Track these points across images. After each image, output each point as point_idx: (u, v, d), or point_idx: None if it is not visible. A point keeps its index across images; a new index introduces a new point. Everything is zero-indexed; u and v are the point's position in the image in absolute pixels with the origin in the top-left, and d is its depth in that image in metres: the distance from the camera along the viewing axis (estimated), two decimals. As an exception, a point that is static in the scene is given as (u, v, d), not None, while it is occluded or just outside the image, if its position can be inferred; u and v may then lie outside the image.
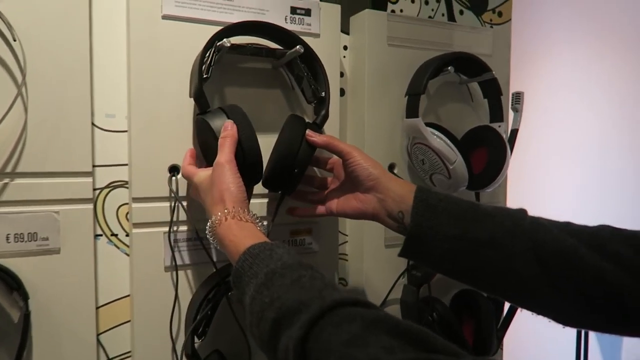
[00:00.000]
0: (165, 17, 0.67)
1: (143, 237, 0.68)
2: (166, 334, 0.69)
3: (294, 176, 0.66)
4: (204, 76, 0.64)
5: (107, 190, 0.70)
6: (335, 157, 0.71)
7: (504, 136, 0.87)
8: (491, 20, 1.03)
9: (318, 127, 0.71)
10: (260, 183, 0.67)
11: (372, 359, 0.34)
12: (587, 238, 0.53)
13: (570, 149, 1.92)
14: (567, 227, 0.55)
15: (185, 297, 0.70)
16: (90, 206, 0.67)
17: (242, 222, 0.56)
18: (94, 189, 0.68)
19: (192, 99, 0.66)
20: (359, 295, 0.82)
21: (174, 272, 0.69)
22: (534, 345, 1.76)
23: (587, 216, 1.82)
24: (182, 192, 0.69)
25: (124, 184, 0.70)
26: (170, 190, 0.68)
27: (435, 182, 0.84)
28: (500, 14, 1.04)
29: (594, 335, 1.87)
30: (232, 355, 0.73)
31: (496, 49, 0.97)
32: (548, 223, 0.56)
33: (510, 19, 1.05)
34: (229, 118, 0.62)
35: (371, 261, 0.86)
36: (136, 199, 0.67)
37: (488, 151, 0.86)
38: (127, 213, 0.70)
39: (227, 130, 0.61)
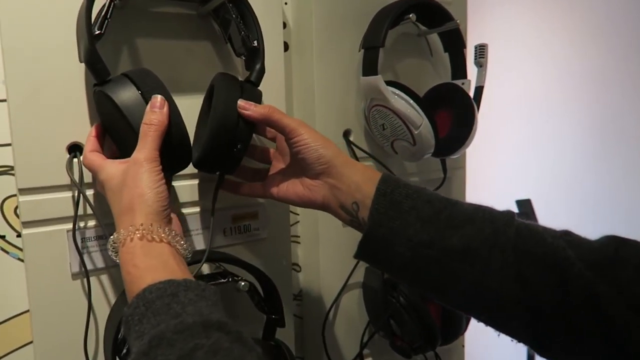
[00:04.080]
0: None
1: (39, 238, 0.52)
2: (79, 357, 0.54)
3: (236, 152, 0.53)
4: (96, 32, 0.49)
5: (-16, 179, 0.53)
6: None
7: (470, 94, 0.77)
8: (447, -37, 0.91)
9: (253, 85, 0.57)
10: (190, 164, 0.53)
11: None
12: (586, 253, 0.42)
13: (526, 102, 1.87)
14: (564, 237, 0.45)
15: (102, 308, 0.56)
16: (-40, 203, 0.50)
17: (152, 243, 0.42)
18: (-35, 180, 0.51)
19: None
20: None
21: (84, 279, 0.54)
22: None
23: (544, 176, 1.81)
24: (88, 177, 0.54)
25: (8, 170, 0.54)
26: (71, 177, 0.52)
27: (397, 150, 0.73)
28: (456, -43, 0.92)
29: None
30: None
31: (455, -6, 0.86)
32: (542, 231, 0.45)
33: (467, -39, 0.94)
34: (138, 88, 0.47)
35: (327, 243, 0.75)
36: (25, 190, 0.51)
37: (453, 112, 0.76)
38: (17, 207, 0.54)
39: (154, 113, 0.46)
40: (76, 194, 0.53)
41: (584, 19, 1.67)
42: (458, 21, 0.75)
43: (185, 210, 0.62)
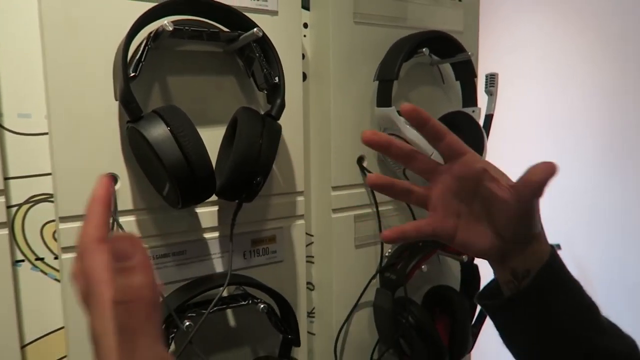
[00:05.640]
0: (87, -10, 0.54)
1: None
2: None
3: (255, 184, 0.57)
4: (131, 75, 0.53)
5: (26, 206, 0.57)
6: None
7: (480, 122, 0.80)
8: (460, -8, 0.94)
9: (274, 120, 0.61)
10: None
11: None
12: None
13: (537, 126, 1.89)
14: None
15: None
16: (5, 230, 0.54)
17: None
18: (9, 207, 0.56)
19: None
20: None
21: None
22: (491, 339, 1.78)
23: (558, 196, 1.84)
24: (122, 206, 0.58)
25: (47, 198, 0.58)
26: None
27: (409, 176, 0.77)
28: (468, -14, 0.96)
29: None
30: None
31: (467, 25, 0.89)
32: None
33: (479, -8, 0.97)
34: (167, 125, 0.51)
35: (341, 263, 0.78)
36: (65, 218, 0.55)
37: (463, 140, 0.79)
38: (55, 232, 0.58)
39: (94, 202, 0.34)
40: (110, 222, 0.57)
41: (599, 38, 1.69)
42: (470, 53, 0.79)
43: (206, 235, 0.66)
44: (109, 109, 0.56)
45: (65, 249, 0.56)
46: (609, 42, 1.65)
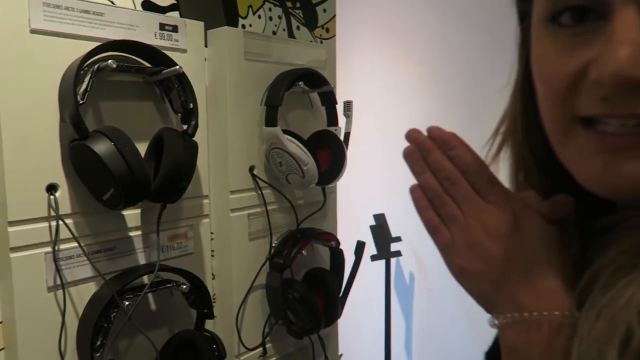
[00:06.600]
0: (33, 31, 0.65)
1: (23, 260, 0.65)
2: (54, 353, 0.68)
3: (181, 188, 0.72)
4: (80, 102, 0.65)
5: (-30, 214, 0.64)
6: None
7: (341, 138, 1.05)
8: (321, 35, 1.19)
9: (190, 137, 0.77)
10: None
11: None
12: None
13: (381, 134, 2.26)
14: None
15: (71, 316, 0.70)
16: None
17: None
18: (-43, 215, 0.63)
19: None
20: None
21: (57, 292, 0.68)
22: (348, 304, 2.06)
23: (395, 194, 2.19)
24: (62, 210, 0.68)
25: (-10, 206, 0.66)
26: (51, 209, 0.67)
27: (290, 181, 0.97)
28: (327, 30, 1.21)
29: (396, 297, 2.28)
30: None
31: (327, 61, 1.14)
32: None
33: (335, 35, 1.23)
34: (112, 142, 0.64)
35: (237, 254, 0.96)
36: (13, 223, 0.64)
37: (330, 152, 1.03)
38: (-5, 236, 0.66)
39: None
40: (54, 224, 0.67)
41: (425, 70, 2.13)
42: (332, 85, 1.03)
43: (131, 234, 0.78)
44: (52, 129, 0.67)
45: (14, 249, 0.65)
46: (432, 73, 2.09)
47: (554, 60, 0.35)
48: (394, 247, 2.06)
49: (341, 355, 2.05)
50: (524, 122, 0.44)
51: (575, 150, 0.35)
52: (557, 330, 0.34)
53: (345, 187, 2.11)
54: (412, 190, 0.42)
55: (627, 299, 0.30)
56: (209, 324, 0.91)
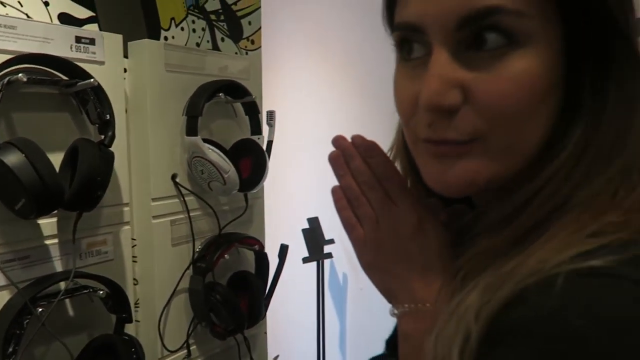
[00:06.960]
0: (-59, 43, 0.65)
1: None
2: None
3: (96, 197, 0.75)
4: None
5: None
6: None
7: (263, 146, 1.10)
8: (246, 47, 1.24)
9: (106, 147, 0.79)
10: None
11: None
12: None
13: (307, 144, 2.34)
14: None
15: (-16, 322, 0.71)
16: None
17: None
18: None
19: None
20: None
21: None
22: (284, 306, 2.12)
23: (326, 197, 2.27)
24: (-27, 219, 0.69)
25: None
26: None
27: (212, 188, 1.01)
28: (252, 42, 1.26)
29: (329, 291, 2.36)
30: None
31: (252, 72, 1.19)
32: None
33: (260, 46, 1.28)
34: (22, 152, 0.66)
35: (160, 260, 0.98)
36: None
37: (252, 159, 1.07)
38: None
39: None
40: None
41: (350, 80, 2.25)
42: (254, 96, 1.08)
43: (47, 242, 0.79)
44: (-39, 140, 0.68)
45: None
46: (354, 78, 2.23)
47: (402, 88, 0.42)
48: (327, 249, 2.13)
49: (277, 356, 2.10)
50: (404, 140, 0.51)
51: (420, 159, 0.42)
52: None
53: (279, 192, 2.16)
54: (334, 191, 0.47)
55: (468, 303, 0.34)
56: (132, 329, 0.93)
